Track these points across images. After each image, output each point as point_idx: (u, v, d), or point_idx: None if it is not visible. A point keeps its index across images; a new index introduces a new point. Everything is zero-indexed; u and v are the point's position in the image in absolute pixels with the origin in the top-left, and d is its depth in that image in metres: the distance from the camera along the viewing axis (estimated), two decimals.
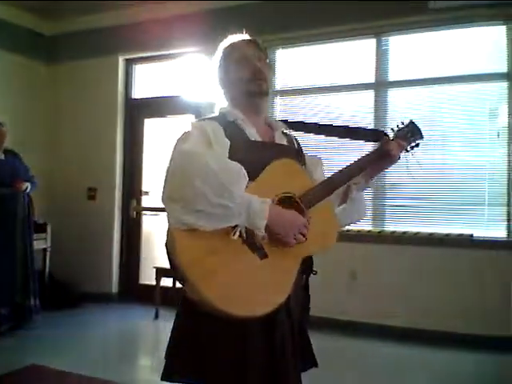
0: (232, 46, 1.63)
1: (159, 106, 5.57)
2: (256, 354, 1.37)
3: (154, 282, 4.87)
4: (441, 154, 4.28)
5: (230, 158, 1.39)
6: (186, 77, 5.44)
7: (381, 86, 4.56)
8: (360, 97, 4.66)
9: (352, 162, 1.61)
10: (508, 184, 4.04)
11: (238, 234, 1.30)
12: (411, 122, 1.74)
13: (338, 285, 4.36)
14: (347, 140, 1.83)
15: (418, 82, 4.43)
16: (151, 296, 4.89)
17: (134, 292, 5.54)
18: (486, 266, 3.98)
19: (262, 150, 1.50)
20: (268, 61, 1.65)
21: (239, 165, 1.33)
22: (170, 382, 1.43)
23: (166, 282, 4.80)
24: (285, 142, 1.62)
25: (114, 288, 5.57)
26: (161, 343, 4.32)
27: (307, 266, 1.50)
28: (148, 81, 5.79)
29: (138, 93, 5.80)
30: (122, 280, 5.61)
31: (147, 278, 5.35)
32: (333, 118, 4.68)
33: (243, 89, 1.56)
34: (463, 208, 4.20)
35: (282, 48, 4.97)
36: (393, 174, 4.36)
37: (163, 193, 1.35)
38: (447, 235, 4.17)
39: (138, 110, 5.71)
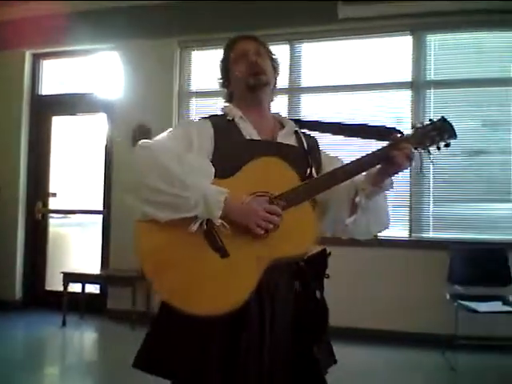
0: (229, 45, 1.63)
1: (69, 104, 5.33)
2: (217, 353, 1.33)
3: (61, 288, 4.65)
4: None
5: (219, 158, 1.41)
6: (99, 74, 5.27)
7: (294, 91, 4.68)
8: (274, 102, 4.73)
9: (347, 163, 1.48)
10: (410, 186, 4.29)
11: (196, 225, 1.29)
12: (442, 119, 1.52)
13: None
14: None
15: (329, 89, 4.61)
16: (58, 302, 4.66)
17: (39, 298, 5.25)
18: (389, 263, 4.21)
19: (254, 149, 1.45)
20: (274, 55, 1.64)
21: (205, 161, 1.38)
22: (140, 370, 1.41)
23: (75, 287, 4.60)
24: (292, 142, 1.56)
25: (18, 294, 5.24)
26: (68, 351, 4.17)
27: (301, 271, 1.41)
28: (58, 77, 5.54)
29: (46, 89, 5.52)
30: (26, 286, 5.30)
31: (54, 283, 5.09)
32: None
33: (242, 84, 1.56)
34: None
35: (197, 50, 4.96)
36: None
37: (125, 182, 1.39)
38: None
39: (46, 107, 5.43)
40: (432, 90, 4.36)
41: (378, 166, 1.46)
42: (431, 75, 4.37)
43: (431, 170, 4.25)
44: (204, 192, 1.30)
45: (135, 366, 1.40)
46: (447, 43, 4.40)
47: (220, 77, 1.66)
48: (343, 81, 4.57)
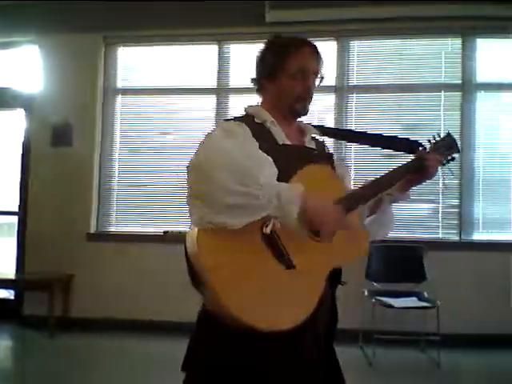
0: (296, 50, 1.46)
1: None
2: (280, 369, 1.27)
3: None
4: None
5: None
6: (18, 68, 4.99)
7: (222, 91, 4.68)
8: (202, 101, 4.73)
9: (387, 171, 1.54)
10: None
11: (271, 226, 1.19)
12: (448, 135, 1.67)
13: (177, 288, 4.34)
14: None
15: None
16: None
17: None
18: None
19: (292, 154, 1.41)
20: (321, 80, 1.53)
21: (267, 156, 1.27)
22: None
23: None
24: (313, 146, 1.54)
25: None
26: None
27: (335, 278, 1.39)
28: None
29: None
30: None
31: None
32: (174, 119, 4.74)
33: (287, 102, 1.47)
34: None
35: (124, 46, 4.84)
36: None
37: (187, 192, 1.23)
38: None
39: None
40: (354, 95, 4.52)
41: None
42: (354, 80, 4.53)
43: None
44: (278, 188, 1.19)
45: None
46: (370, 49, 4.59)
47: (262, 68, 1.52)
48: None
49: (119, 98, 4.82)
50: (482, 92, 4.41)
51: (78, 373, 3.36)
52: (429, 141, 1.63)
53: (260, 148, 1.32)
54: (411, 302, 3.72)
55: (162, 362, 3.55)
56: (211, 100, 4.68)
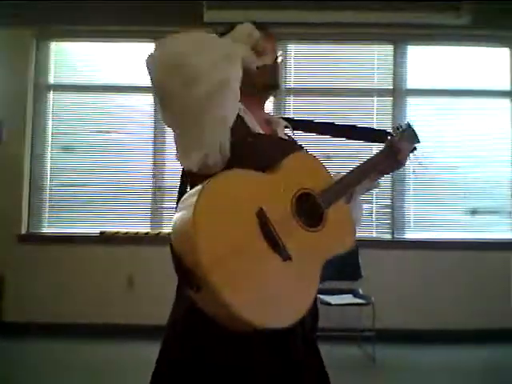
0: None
1: None
2: (266, 370, 1.24)
3: None
4: None
5: (236, 145, 1.23)
6: None
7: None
8: (140, 99, 4.66)
9: (363, 161, 1.52)
10: None
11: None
12: (409, 125, 1.65)
13: (115, 289, 4.27)
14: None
15: None
16: None
17: None
18: None
19: (271, 143, 1.38)
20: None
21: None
22: None
23: None
24: (284, 137, 1.52)
25: None
26: None
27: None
28: None
29: None
30: None
31: None
32: (110, 117, 4.63)
33: (259, 79, 1.41)
34: None
35: (57, 41, 4.69)
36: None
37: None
38: None
39: None
40: (292, 97, 4.60)
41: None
42: (291, 83, 4.61)
43: None
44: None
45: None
46: (306, 53, 4.68)
47: None
48: None
49: (51, 95, 4.65)
50: (412, 97, 4.62)
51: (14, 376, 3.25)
52: (393, 129, 1.63)
53: (233, 135, 1.24)
54: (347, 299, 3.84)
55: (101, 364, 3.48)
56: (149, 99, 4.61)
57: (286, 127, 1.55)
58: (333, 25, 4.43)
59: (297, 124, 1.60)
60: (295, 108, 4.62)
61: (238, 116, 1.31)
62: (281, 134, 1.50)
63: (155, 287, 4.28)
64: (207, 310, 1.14)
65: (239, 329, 1.12)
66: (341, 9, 4.32)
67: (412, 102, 4.60)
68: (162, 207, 4.57)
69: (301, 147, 1.50)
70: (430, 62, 4.62)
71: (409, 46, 4.61)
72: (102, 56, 4.70)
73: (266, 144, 1.36)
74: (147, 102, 4.61)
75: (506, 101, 4.64)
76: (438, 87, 4.60)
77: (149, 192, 4.56)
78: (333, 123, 1.68)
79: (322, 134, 1.66)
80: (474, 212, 4.52)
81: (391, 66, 4.59)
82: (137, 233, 4.43)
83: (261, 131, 1.41)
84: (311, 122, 1.67)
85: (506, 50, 4.66)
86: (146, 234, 4.47)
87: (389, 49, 4.61)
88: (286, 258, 1.18)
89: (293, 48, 4.64)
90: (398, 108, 4.56)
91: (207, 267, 1.07)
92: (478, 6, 4.33)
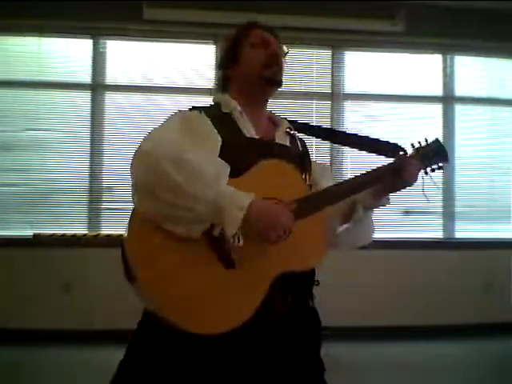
0: (246, 27, 1.45)
1: None
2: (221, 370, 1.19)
3: None
4: None
5: (221, 152, 1.22)
6: None
7: (98, 87, 4.51)
8: (75, 97, 4.51)
9: (359, 174, 1.41)
10: None
11: (218, 231, 1.11)
12: (436, 141, 1.50)
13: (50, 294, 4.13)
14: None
15: (134, 89, 4.54)
16: None
17: None
18: None
19: (255, 149, 1.31)
20: (285, 54, 1.47)
21: (221, 161, 1.18)
22: None
23: None
24: (287, 142, 1.44)
25: None
26: None
27: (294, 282, 1.28)
28: None
29: None
30: None
31: None
32: (42, 115, 4.44)
33: (254, 73, 1.39)
34: None
35: None
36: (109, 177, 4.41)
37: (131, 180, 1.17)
38: None
39: None
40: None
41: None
42: None
43: None
44: (219, 203, 1.11)
45: None
46: None
47: (223, 60, 1.48)
48: (154, 81, 4.54)
49: None
50: (349, 101, 4.73)
51: None
52: (412, 145, 1.50)
53: (223, 139, 1.26)
54: None
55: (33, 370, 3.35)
56: (85, 96, 4.48)
57: (289, 129, 1.50)
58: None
59: (300, 128, 1.53)
60: None
61: (231, 119, 1.34)
62: (280, 137, 1.45)
63: (93, 290, 4.18)
64: (144, 305, 1.16)
65: (175, 328, 1.11)
66: (280, 13, 4.36)
67: (350, 107, 4.72)
68: (100, 208, 4.45)
69: (300, 154, 1.45)
70: (367, 68, 4.76)
71: (346, 52, 4.73)
72: (38, 52, 4.50)
73: (248, 149, 1.31)
74: (85, 99, 4.48)
75: (438, 106, 4.85)
76: (375, 92, 4.75)
77: (85, 192, 4.43)
78: (341, 131, 1.65)
79: (328, 140, 1.58)
80: (406, 212, 4.70)
81: (330, 71, 4.69)
82: (74, 235, 4.30)
83: (254, 135, 1.37)
84: (317, 126, 1.60)
85: (438, 57, 4.86)
86: (84, 235, 4.34)
87: (327, 53, 4.70)
88: (229, 265, 1.15)
89: None
90: (336, 112, 4.66)
91: (138, 260, 1.08)
92: (411, 14, 4.51)
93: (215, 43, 4.56)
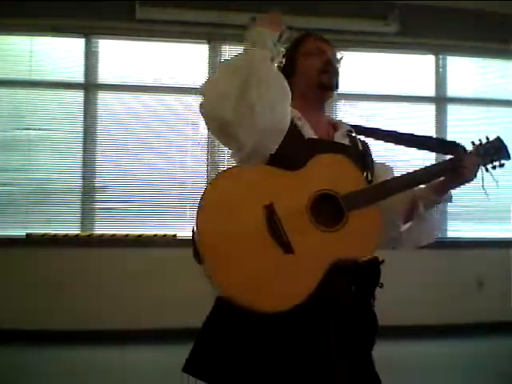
0: (301, 38, 1.55)
1: None
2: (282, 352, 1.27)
3: None
4: (148, 159, 4.47)
5: (279, 158, 1.31)
6: None
7: (91, 86, 4.49)
8: (67, 96, 4.49)
9: (415, 169, 1.46)
10: None
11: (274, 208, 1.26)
12: (497, 139, 1.53)
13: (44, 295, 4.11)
14: None
15: (129, 88, 4.53)
16: None
17: None
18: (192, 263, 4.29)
19: (315, 147, 1.39)
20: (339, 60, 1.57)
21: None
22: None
23: None
24: (346, 142, 1.51)
25: None
26: None
27: (357, 274, 1.35)
28: None
29: None
30: None
31: None
32: (37, 114, 4.43)
33: (311, 80, 1.49)
34: (168, 210, 4.49)
35: None
36: (104, 176, 4.39)
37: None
38: (154, 236, 4.38)
39: None
40: None
41: (442, 178, 1.48)
42: None
43: None
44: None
45: (185, 371, 1.34)
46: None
47: (283, 71, 1.50)
48: (147, 81, 4.53)
49: None
50: (342, 101, 4.75)
51: None
52: (473, 142, 1.53)
53: (286, 144, 1.33)
54: None
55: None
56: (79, 96, 4.46)
57: (350, 132, 1.56)
58: None
59: (359, 130, 1.59)
60: None
61: (293, 124, 1.40)
62: (339, 137, 1.51)
63: (90, 290, 4.15)
64: (212, 286, 1.24)
65: (240, 308, 1.21)
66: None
67: (342, 107, 4.74)
68: (93, 208, 4.44)
69: (360, 153, 1.50)
70: (360, 68, 4.77)
71: (338, 52, 4.72)
72: (31, 51, 4.47)
73: (310, 149, 1.39)
74: (78, 98, 4.46)
75: (430, 106, 4.88)
76: (367, 92, 4.76)
77: (78, 192, 4.41)
78: (398, 132, 1.64)
79: (386, 141, 1.63)
80: None
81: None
82: (66, 235, 4.28)
83: (313, 136, 1.45)
84: (378, 129, 1.64)
85: (431, 57, 4.89)
86: (76, 236, 4.32)
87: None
88: (288, 251, 1.24)
89: (227, 49, 4.63)
90: (328, 112, 4.64)
91: (205, 246, 1.22)
92: (404, 14, 4.53)
93: (209, 43, 4.56)
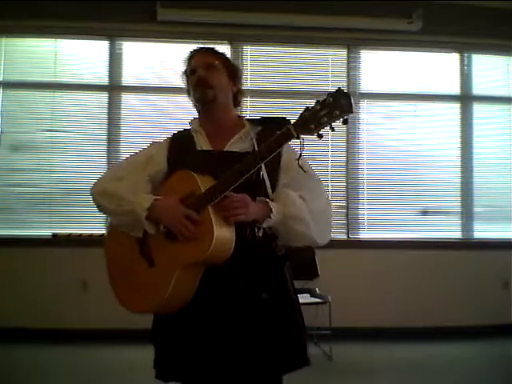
0: (188, 59, 1.67)
1: None
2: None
3: None
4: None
5: (177, 165, 1.53)
6: None
7: (115, 88, 4.53)
8: (92, 97, 4.54)
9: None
10: None
11: (142, 231, 1.54)
12: (339, 92, 1.34)
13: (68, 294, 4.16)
14: None
15: (151, 89, 4.57)
16: None
17: None
18: None
19: (204, 158, 1.54)
20: (231, 65, 1.67)
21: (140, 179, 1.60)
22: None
23: None
24: (246, 145, 1.56)
25: None
26: None
27: (244, 272, 1.50)
28: None
29: None
30: None
31: None
32: (63, 116, 4.49)
33: (194, 98, 1.63)
34: None
35: (7, 37, 4.49)
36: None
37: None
38: None
39: None
40: (248, 99, 4.59)
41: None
42: (247, 84, 4.60)
43: None
44: (132, 205, 1.52)
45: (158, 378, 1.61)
46: (264, 55, 4.68)
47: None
48: (167, 82, 4.54)
49: (0, 92, 4.47)
50: (366, 101, 4.71)
51: None
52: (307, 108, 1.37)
53: (181, 157, 1.56)
54: (305, 298, 3.87)
55: (55, 369, 3.38)
56: (103, 97, 4.52)
57: (247, 132, 1.61)
58: (289, 28, 4.47)
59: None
60: (252, 109, 4.61)
61: (189, 135, 1.62)
62: (233, 145, 1.57)
63: (110, 290, 4.17)
64: None
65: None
66: (295, 12, 4.36)
67: (366, 106, 4.70)
68: None
69: (252, 155, 1.41)
70: (383, 67, 4.73)
71: (362, 51, 4.70)
72: (56, 53, 4.54)
73: (195, 159, 1.54)
74: (102, 100, 4.51)
75: (455, 105, 4.82)
76: (391, 91, 4.72)
77: None
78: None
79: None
80: (424, 212, 4.67)
81: (345, 70, 4.67)
82: (91, 235, 4.31)
83: (205, 147, 1.59)
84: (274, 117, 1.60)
85: (455, 56, 4.83)
86: (101, 236, 4.35)
87: (343, 52, 4.69)
88: (151, 265, 1.52)
89: (249, 49, 4.64)
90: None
91: (107, 263, 1.65)
92: (428, 12, 4.48)
93: (230, 43, 4.57)
